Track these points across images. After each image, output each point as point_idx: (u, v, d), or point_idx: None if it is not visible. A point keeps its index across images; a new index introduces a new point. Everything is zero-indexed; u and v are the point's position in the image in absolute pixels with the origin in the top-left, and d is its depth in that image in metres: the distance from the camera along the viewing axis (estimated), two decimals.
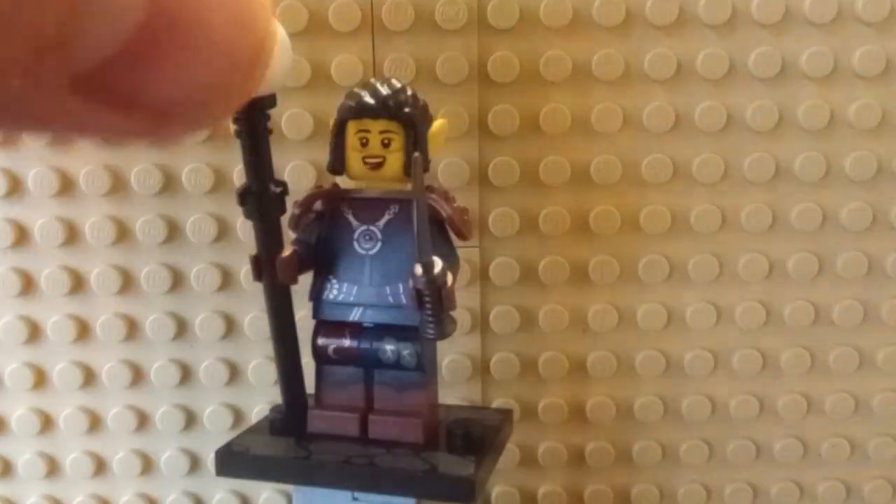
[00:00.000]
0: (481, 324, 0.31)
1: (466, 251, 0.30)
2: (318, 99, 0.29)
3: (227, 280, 0.30)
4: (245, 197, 0.23)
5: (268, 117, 0.22)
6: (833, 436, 0.32)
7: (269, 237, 0.23)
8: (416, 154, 0.22)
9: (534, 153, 0.29)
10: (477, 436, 0.24)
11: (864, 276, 0.31)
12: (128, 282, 0.30)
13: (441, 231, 0.23)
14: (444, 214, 0.23)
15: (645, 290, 0.31)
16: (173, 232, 0.30)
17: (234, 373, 0.31)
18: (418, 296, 0.22)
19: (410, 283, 0.21)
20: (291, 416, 0.25)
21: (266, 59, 0.13)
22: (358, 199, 0.24)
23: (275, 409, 0.26)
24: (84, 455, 0.31)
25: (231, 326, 0.31)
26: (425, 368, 0.24)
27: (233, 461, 0.24)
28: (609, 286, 0.31)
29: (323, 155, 0.29)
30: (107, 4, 0.11)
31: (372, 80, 0.24)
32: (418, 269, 0.21)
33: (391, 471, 0.23)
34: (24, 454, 0.31)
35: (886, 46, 0.29)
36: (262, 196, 0.23)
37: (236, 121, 0.21)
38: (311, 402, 0.25)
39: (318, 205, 0.24)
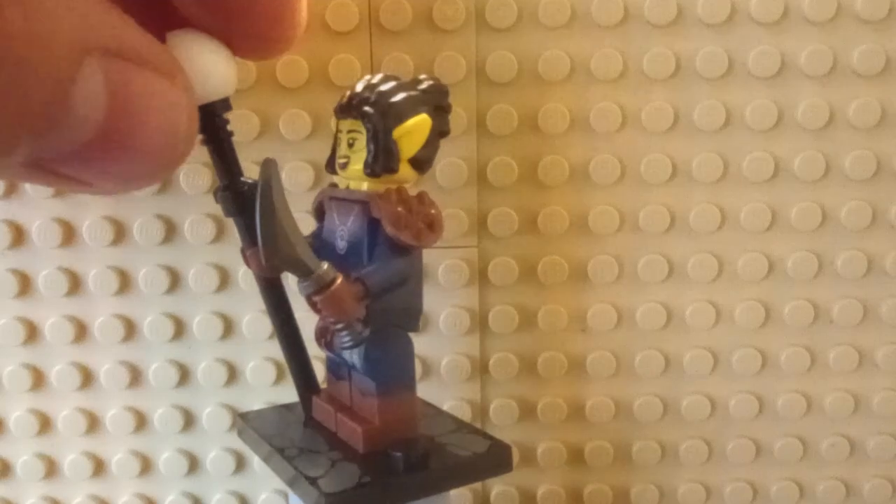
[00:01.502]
0: (480, 323, 0.31)
1: (465, 251, 0.30)
2: (316, 99, 0.28)
3: (225, 281, 0.30)
4: (218, 195, 0.23)
5: (226, 121, 0.22)
6: (833, 435, 0.32)
7: (249, 231, 0.24)
8: (268, 158, 0.20)
9: (532, 152, 0.29)
10: (416, 462, 0.22)
11: (863, 276, 0.31)
12: (126, 283, 0.30)
13: (385, 236, 0.22)
14: (383, 221, 0.22)
15: (644, 290, 0.31)
16: (171, 233, 0.30)
17: (233, 373, 0.31)
18: (307, 301, 0.21)
19: None
20: (303, 401, 0.26)
21: (183, 157, 0.17)
22: (338, 199, 0.24)
23: None
24: (82, 456, 0.31)
25: (229, 327, 0.31)
26: (377, 377, 0.23)
27: (241, 427, 0.26)
28: (608, 286, 0.31)
29: (321, 154, 0.29)
30: (71, 119, 0.14)
31: (366, 76, 0.23)
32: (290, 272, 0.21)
33: (287, 468, 0.23)
34: (23, 455, 0.31)
35: (886, 45, 0.29)
36: (233, 192, 0.23)
37: (200, 130, 0.22)
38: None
39: (322, 202, 0.25)
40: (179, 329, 0.31)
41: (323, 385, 0.27)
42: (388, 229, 0.22)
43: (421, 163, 0.23)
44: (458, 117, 0.29)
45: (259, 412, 0.27)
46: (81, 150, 0.15)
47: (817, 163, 0.30)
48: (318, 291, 0.21)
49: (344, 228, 0.23)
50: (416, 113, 0.23)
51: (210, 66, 0.20)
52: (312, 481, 0.22)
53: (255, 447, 0.26)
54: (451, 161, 0.29)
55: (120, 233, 0.30)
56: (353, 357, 0.23)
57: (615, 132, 0.29)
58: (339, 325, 0.22)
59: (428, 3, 0.28)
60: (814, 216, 0.30)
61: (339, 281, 0.21)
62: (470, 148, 0.29)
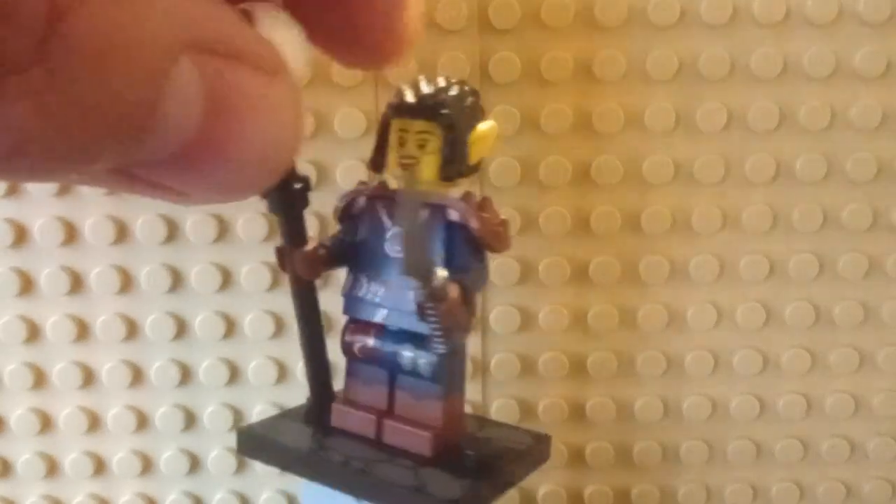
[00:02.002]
0: (482, 324, 0.31)
1: None
2: (319, 100, 0.28)
3: (227, 280, 0.30)
4: (268, 191, 0.22)
5: None
6: (833, 436, 0.32)
7: (292, 231, 0.23)
8: (412, 159, 0.21)
9: (535, 153, 0.29)
10: (489, 459, 0.22)
11: (864, 277, 0.31)
12: (128, 282, 0.30)
13: (469, 242, 0.22)
14: (472, 225, 0.22)
15: (645, 291, 0.31)
16: (173, 232, 0.30)
17: (234, 373, 0.31)
18: (419, 308, 0.21)
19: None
20: (318, 408, 0.25)
21: (287, 164, 0.15)
22: (392, 200, 0.23)
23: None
24: (84, 455, 0.31)
25: (231, 327, 0.31)
26: (442, 380, 0.23)
27: (250, 441, 0.24)
28: (610, 286, 0.31)
29: (323, 155, 0.29)
30: (164, 122, 0.13)
31: (420, 77, 0.23)
32: (414, 281, 0.20)
33: (381, 482, 0.22)
34: (24, 454, 0.31)
35: (888, 47, 0.29)
36: (284, 190, 0.22)
37: None
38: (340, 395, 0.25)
39: (361, 201, 0.24)
40: (181, 328, 0.31)
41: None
42: (487, 237, 0.22)
43: (476, 168, 0.23)
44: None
45: (262, 425, 0.25)
46: (174, 156, 0.14)
47: (819, 164, 0.30)
48: (441, 299, 0.20)
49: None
50: (484, 118, 0.23)
51: (287, 46, 0.19)
52: (418, 490, 0.21)
53: (281, 462, 0.24)
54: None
55: (122, 232, 0.30)
56: (413, 361, 0.23)
57: (618, 133, 0.29)
58: (444, 331, 0.21)
59: (431, 5, 0.28)
60: (815, 218, 0.30)
61: (457, 289, 0.21)
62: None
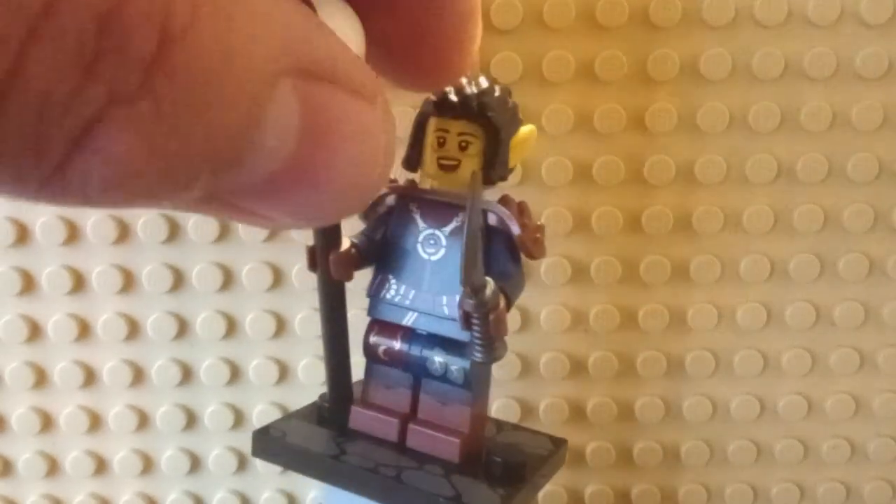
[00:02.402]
0: None
1: None
2: None
3: (228, 280, 0.30)
4: None
5: None
6: (833, 437, 0.33)
7: (326, 232, 0.22)
8: (475, 170, 0.21)
9: (536, 153, 0.29)
10: (517, 466, 0.22)
11: (865, 278, 0.31)
12: (129, 281, 0.30)
13: (509, 247, 0.22)
14: (514, 231, 0.21)
15: (646, 291, 0.31)
16: (175, 231, 0.30)
17: (236, 372, 0.31)
18: (465, 317, 0.20)
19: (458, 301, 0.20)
20: (337, 410, 0.24)
21: (377, 191, 0.15)
22: (427, 200, 0.23)
23: (324, 396, 0.24)
24: (84, 454, 0.31)
25: (232, 326, 0.31)
26: (472, 387, 0.23)
27: (267, 445, 0.23)
28: (611, 286, 0.31)
29: None
30: (259, 149, 0.12)
31: (464, 78, 0.22)
32: (466, 290, 0.20)
33: (415, 490, 0.21)
34: (25, 453, 0.31)
35: (889, 48, 0.29)
36: None
37: None
38: (358, 396, 0.24)
39: (390, 200, 0.23)
40: (182, 328, 0.31)
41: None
42: (527, 244, 0.22)
43: (510, 172, 0.23)
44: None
45: (276, 427, 0.24)
46: (267, 183, 0.13)
47: (820, 165, 0.30)
48: (493, 309, 0.20)
49: (438, 233, 0.23)
50: (523, 122, 0.22)
51: (348, 35, 0.18)
52: (455, 500, 0.21)
53: (301, 466, 0.24)
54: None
55: (123, 231, 0.30)
56: (444, 367, 0.23)
57: (619, 133, 0.29)
58: (488, 342, 0.21)
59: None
60: (816, 218, 0.30)
61: (502, 298, 0.20)
62: None
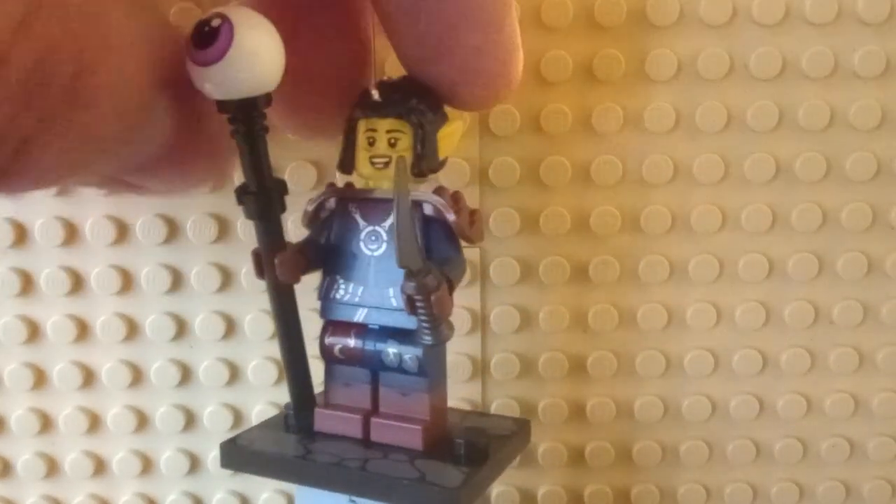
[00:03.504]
0: (481, 324, 0.31)
1: (467, 251, 0.30)
2: None
3: (227, 280, 0.30)
4: (243, 196, 0.22)
5: (264, 116, 0.21)
6: (833, 436, 0.32)
7: (269, 236, 0.23)
8: (400, 156, 0.22)
9: (534, 153, 0.29)
10: (479, 446, 0.23)
11: (864, 277, 0.31)
12: (127, 282, 0.30)
13: (447, 234, 0.23)
14: (449, 218, 0.22)
15: (645, 291, 0.31)
16: (173, 232, 0.30)
17: (234, 373, 0.31)
18: (409, 301, 0.21)
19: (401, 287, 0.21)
20: (300, 414, 0.25)
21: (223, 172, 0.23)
22: (365, 200, 0.23)
23: (289, 405, 0.25)
24: (83, 455, 0.31)
25: (231, 326, 0.31)
26: (427, 374, 0.23)
27: (234, 454, 0.24)
28: (609, 286, 0.31)
29: (323, 154, 0.29)
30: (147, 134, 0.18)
31: (384, 77, 0.23)
32: (406, 273, 0.21)
33: (380, 476, 0.22)
34: (24, 454, 0.31)
35: (887, 47, 0.29)
36: (259, 195, 0.22)
37: (231, 120, 0.21)
38: (320, 400, 0.25)
39: (330, 203, 0.24)
40: (181, 328, 0.31)
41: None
42: (464, 229, 0.23)
43: (443, 164, 0.23)
44: (461, 118, 0.29)
45: (243, 437, 0.25)
46: (146, 166, 0.19)
47: (818, 164, 0.30)
48: (432, 290, 0.21)
49: (378, 229, 0.23)
50: (446, 114, 0.23)
51: (264, 52, 0.19)
52: (419, 482, 0.21)
53: (269, 471, 0.24)
54: (453, 161, 0.29)
55: (122, 232, 0.30)
56: (398, 357, 0.23)
57: (617, 133, 0.29)
58: (434, 323, 0.22)
59: None
60: (814, 217, 0.30)
61: (443, 280, 0.21)
62: (472, 148, 0.29)
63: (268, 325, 0.30)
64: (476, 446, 0.23)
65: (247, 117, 0.21)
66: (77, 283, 0.30)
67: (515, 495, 0.33)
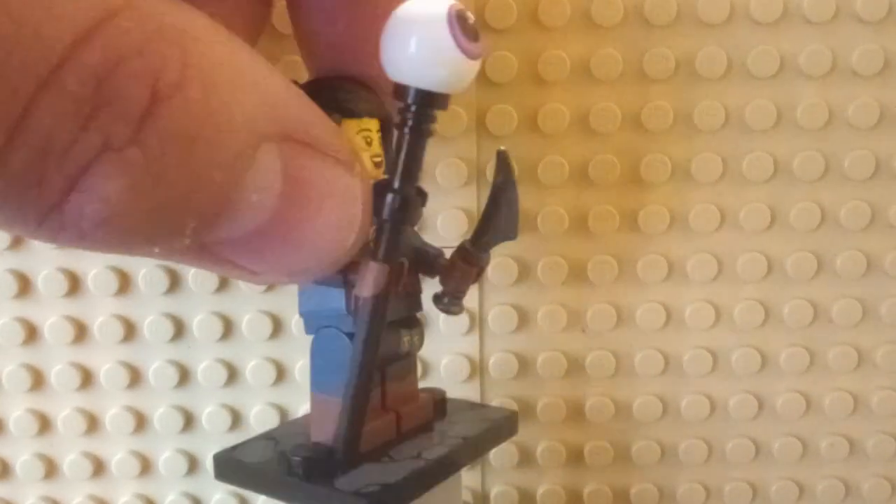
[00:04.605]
0: (479, 324, 0.31)
1: None
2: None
3: (225, 281, 0.30)
4: (383, 193, 0.19)
5: (434, 118, 0.19)
6: (832, 434, 0.32)
7: (398, 245, 0.20)
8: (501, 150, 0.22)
9: (532, 153, 0.29)
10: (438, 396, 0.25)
11: (862, 275, 0.31)
12: (125, 283, 0.30)
13: None
14: None
15: (643, 290, 0.31)
16: None
17: (233, 374, 0.31)
18: (478, 273, 0.23)
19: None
20: (350, 457, 0.22)
21: (354, 252, 0.17)
22: None
23: (300, 449, 0.22)
24: (82, 456, 0.31)
25: (229, 327, 0.31)
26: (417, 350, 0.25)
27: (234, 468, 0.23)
28: (607, 286, 0.31)
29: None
30: (242, 206, 0.14)
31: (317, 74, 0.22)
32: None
33: (452, 454, 0.23)
34: (22, 455, 0.31)
35: (885, 45, 0.29)
36: (402, 194, 0.19)
37: (408, 110, 0.19)
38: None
39: None
40: (179, 329, 0.31)
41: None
42: None
43: None
44: (458, 117, 0.29)
45: (242, 451, 0.23)
46: (250, 237, 0.15)
47: (816, 163, 0.30)
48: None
49: None
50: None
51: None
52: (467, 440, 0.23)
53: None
54: (451, 161, 0.29)
55: None
56: (410, 342, 0.24)
57: (615, 132, 0.29)
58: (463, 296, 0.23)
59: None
60: (813, 216, 0.30)
61: None
62: (470, 148, 0.29)
63: (266, 325, 0.30)
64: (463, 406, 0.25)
65: (420, 112, 0.19)
66: (75, 284, 0.30)
67: (514, 495, 0.33)
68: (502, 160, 0.21)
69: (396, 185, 0.19)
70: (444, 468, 0.23)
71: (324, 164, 0.15)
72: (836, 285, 0.31)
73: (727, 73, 0.29)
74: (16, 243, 0.29)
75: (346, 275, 0.21)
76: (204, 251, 0.15)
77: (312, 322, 0.22)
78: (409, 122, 0.19)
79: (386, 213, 0.19)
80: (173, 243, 0.14)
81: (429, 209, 0.29)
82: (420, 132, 0.19)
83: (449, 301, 0.22)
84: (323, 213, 0.15)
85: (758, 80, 0.29)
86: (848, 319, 0.31)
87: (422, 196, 0.20)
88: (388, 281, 0.20)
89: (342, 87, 0.22)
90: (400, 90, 0.19)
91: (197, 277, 0.30)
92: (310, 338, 0.30)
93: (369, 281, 0.20)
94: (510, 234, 0.21)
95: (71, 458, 0.31)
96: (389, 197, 0.19)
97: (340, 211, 0.16)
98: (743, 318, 0.31)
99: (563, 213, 0.30)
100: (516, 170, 0.21)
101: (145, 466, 0.32)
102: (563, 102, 0.29)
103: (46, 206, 0.12)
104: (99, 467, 0.32)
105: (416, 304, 0.23)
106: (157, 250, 0.14)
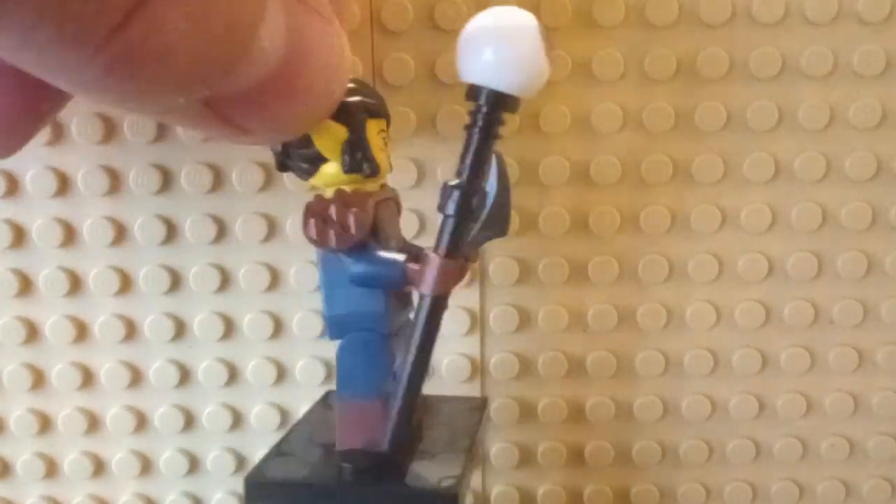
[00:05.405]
0: (481, 324, 0.31)
1: None
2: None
3: (226, 281, 0.30)
4: (450, 189, 0.20)
5: (503, 121, 0.20)
6: (832, 435, 0.32)
7: (455, 238, 0.21)
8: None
9: (533, 153, 0.29)
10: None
11: (863, 276, 0.31)
12: (126, 282, 0.30)
13: None
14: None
15: (644, 290, 0.31)
16: (172, 232, 0.30)
17: (233, 373, 0.31)
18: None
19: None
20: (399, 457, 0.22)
21: (339, 98, 0.19)
22: (381, 201, 0.23)
23: (349, 455, 0.22)
24: (83, 456, 0.31)
25: (230, 327, 0.31)
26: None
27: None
28: (608, 286, 0.31)
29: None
30: (261, 51, 0.15)
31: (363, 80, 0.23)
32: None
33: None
34: (23, 455, 0.31)
35: (886, 46, 0.29)
36: (467, 191, 0.20)
37: (479, 112, 0.20)
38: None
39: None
40: (180, 329, 0.31)
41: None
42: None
43: None
44: (461, 118, 0.29)
45: (271, 469, 0.22)
46: (251, 91, 0.16)
47: (818, 163, 0.30)
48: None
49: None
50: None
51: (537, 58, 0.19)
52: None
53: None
54: (453, 163, 0.29)
55: (120, 233, 0.30)
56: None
57: (616, 133, 0.29)
58: None
59: (429, 4, 0.28)
60: (814, 217, 0.30)
61: None
62: None
63: (267, 325, 0.30)
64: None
65: (497, 115, 0.20)
66: (76, 283, 0.30)
67: (515, 495, 0.33)
68: (496, 162, 0.21)
69: (463, 182, 0.20)
70: (474, 455, 0.23)
71: (313, 18, 0.16)
72: (837, 286, 0.31)
73: (728, 74, 0.29)
74: (17, 242, 0.29)
75: (385, 280, 0.22)
76: (206, 107, 0.16)
77: (342, 326, 0.22)
78: (480, 123, 0.20)
79: (451, 209, 0.20)
80: (195, 92, 0.15)
81: (432, 207, 0.29)
82: (489, 133, 0.20)
83: None
84: (316, 63, 0.17)
85: (759, 80, 0.29)
86: (848, 320, 0.31)
87: (483, 195, 0.21)
88: (453, 277, 0.21)
89: (364, 89, 0.22)
90: (474, 92, 0.20)
91: (198, 277, 0.30)
92: (310, 337, 0.31)
93: (434, 276, 0.20)
94: (499, 233, 0.21)
95: (71, 458, 0.31)
96: (455, 194, 0.20)
97: (328, 60, 0.17)
98: (744, 318, 0.31)
99: (565, 213, 0.30)
100: (509, 171, 0.21)
101: (146, 466, 0.32)
102: (564, 103, 0.29)
103: (104, 31, 0.12)
104: (99, 467, 0.32)
105: (409, 303, 0.23)
106: (180, 97, 0.14)
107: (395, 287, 0.22)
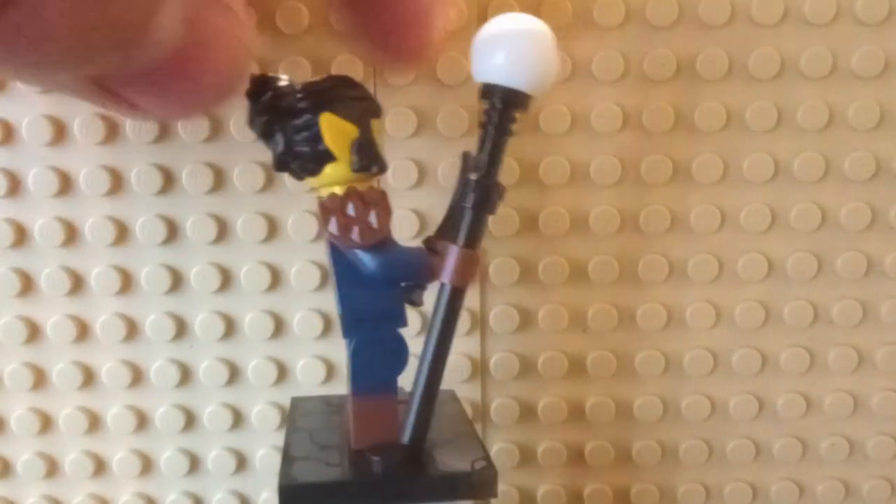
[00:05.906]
0: (481, 324, 0.31)
1: None
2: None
3: (227, 280, 0.30)
4: (467, 180, 0.22)
5: (515, 118, 0.22)
6: (832, 435, 0.33)
7: (473, 229, 0.22)
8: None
9: (533, 153, 0.29)
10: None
11: (862, 276, 0.31)
12: (127, 282, 0.30)
13: None
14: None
15: (644, 290, 0.31)
16: (173, 232, 0.30)
17: (234, 373, 0.31)
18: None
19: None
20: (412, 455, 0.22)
21: (239, 88, 0.19)
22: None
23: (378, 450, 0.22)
24: (83, 455, 0.31)
25: (231, 326, 0.31)
26: None
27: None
28: (609, 286, 0.31)
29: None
30: (155, 37, 0.15)
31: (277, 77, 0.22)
32: None
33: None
34: (24, 454, 0.31)
35: (885, 47, 0.29)
36: (481, 183, 0.22)
37: (493, 109, 0.22)
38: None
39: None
40: (181, 328, 0.31)
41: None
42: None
43: None
44: (460, 118, 0.29)
45: (300, 473, 0.22)
46: (147, 71, 0.16)
47: (817, 164, 0.30)
48: None
49: None
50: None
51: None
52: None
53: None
54: (452, 162, 0.29)
55: (122, 232, 0.30)
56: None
57: (616, 133, 0.29)
58: None
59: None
60: (813, 217, 0.30)
61: None
62: (471, 148, 0.29)
63: (268, 325, 0.30)
64: None
65: (510, 112, 0.22)
66: (77, 283, 0.30)
67: (515, 495, 0.33)
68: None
69: (480, 176, 0.22)
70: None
71: (218, 9, 0.17)
72: (837, 286, 0.31)
73: (728, 75, 0.29)
74: (18, 242, 0.29)
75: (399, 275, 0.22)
76: (97, 83, 0.16)
77: (359, 323, 0.22)
78: (495, 120, 0.22)
79: (469, 201, 0.22)
80: (83, 69, 0.15)
81: (432, 207, 0.29)
82: (503, 129, 0.22)
83: (411, 291, 0.23)
84: (214, 53, 0.17)
85: (759, 81, 0.29)
86: (848, 320, 0.31)
87: (500, 189, 0.22)
88: (473, 266, 0.22)
89: (363, 89, 0.22)
90: (489, 91, 0.21)
91: (199, 276, 0.30)
92: (310, 337, 0.31)
93: (454, 265, 0.22)
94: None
95: (72, 457, 0.31)
96: (473, 187, 0.22)
97: (227, 53, 0.17)
98: (743, 318, 0.31)
99: (565, 213, 0.30)
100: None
101: (146, 465, 0.32)
102: (564, 103, 0.29)
103: None
104: (100, 466, 0.32)
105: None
106: (66, 76, 0.16)
107: (417, 279, 0.22)
